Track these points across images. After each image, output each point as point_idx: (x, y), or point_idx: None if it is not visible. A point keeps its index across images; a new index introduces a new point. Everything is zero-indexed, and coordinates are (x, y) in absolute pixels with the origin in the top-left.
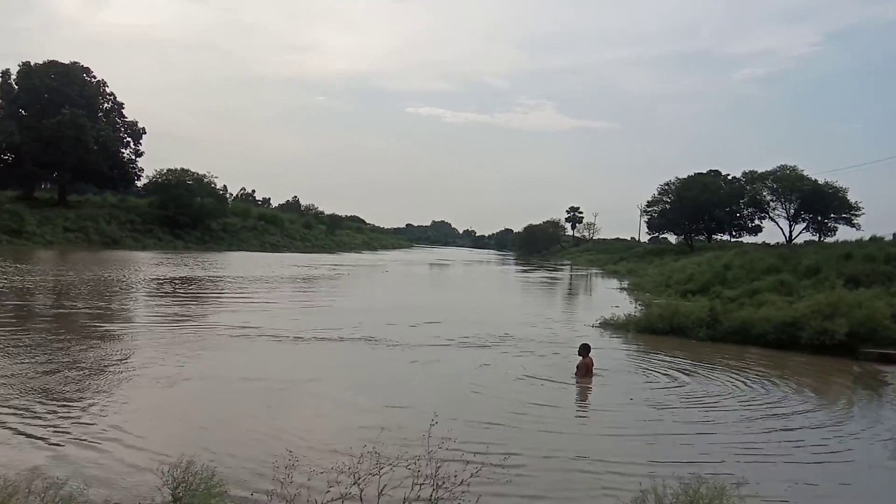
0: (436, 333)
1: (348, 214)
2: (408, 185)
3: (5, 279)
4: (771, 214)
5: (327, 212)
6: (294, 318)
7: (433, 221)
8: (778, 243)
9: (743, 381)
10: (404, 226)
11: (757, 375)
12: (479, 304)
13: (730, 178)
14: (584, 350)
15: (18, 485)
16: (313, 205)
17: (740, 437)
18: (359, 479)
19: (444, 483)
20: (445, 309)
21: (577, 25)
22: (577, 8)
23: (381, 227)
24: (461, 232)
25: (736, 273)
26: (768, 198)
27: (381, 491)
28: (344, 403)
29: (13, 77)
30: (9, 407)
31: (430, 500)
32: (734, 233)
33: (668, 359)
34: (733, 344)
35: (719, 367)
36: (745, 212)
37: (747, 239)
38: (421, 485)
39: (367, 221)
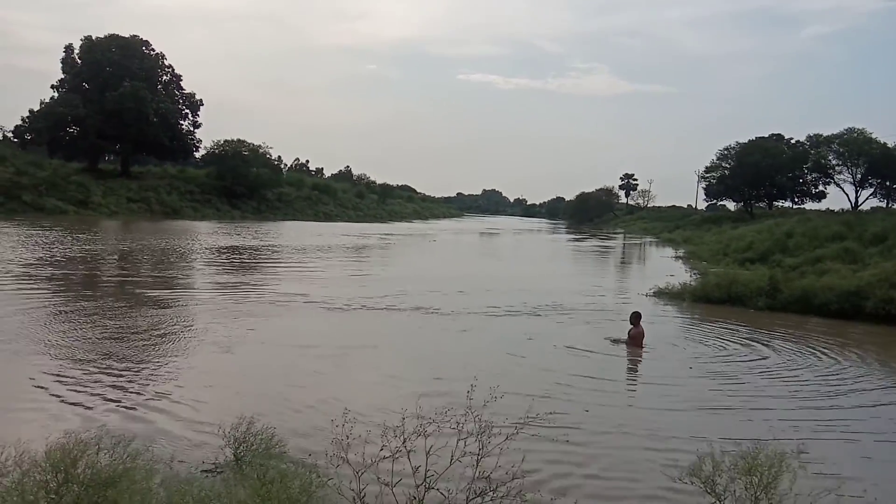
0: (486, 302)
1: (399, 183)
2: (458, 154)
3: (76, 247)
4: (836, 180)
5: (379, 181)
6: (346, 286)
7: (484, 190)
8: (843, 210)
9: (807, 352)
10: (455, 195)
11: (819, 345)
12: (530, 273)
13: (793, 142)
14: (636, 318)
15: (88, 442)
16: (365, 174)
17: (803, 410)
18: (406, 439)
19: (489, 440)
20: (495, 278)
21: None
22: None
23: (432, 196)
24: (512, 200)
25: (798, 241)
26: (833, 162)
27: (429, 451)
28: (394, 371)
29: (76, 52)
30: (75, 370)
31: (477, 454)
32: (796, 199)
33: (725, 328)
34: (793, 313)
35: (779, 336)
36: (809, 177)
37: (810, 205)
38: (465, 439)
39: (418, 190)
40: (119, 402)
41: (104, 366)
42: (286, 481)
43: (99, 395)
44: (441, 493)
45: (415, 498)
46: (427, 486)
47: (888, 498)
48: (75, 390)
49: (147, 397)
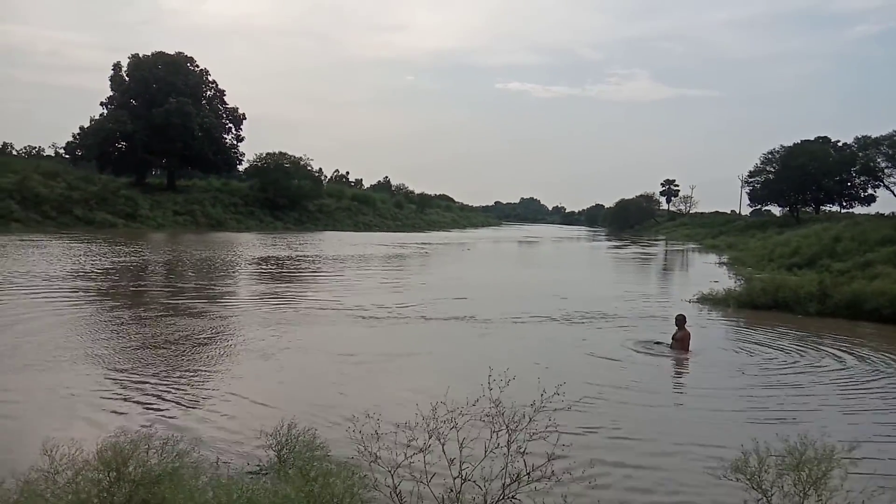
0: (526, 310)
1: (437, 193)
2: (496, 162)
3: (123, 259)
4: (886, 182)
5: (417, 191)
6: (384, 295)
7: (522, 198)
8: (894, 213)
9: (860, 357)
10: (493, 203)
11: (872, 351)
12: (570, 280)
13: (840, 144)
14: (681, 321)
15: (138, 442)
16: (404, 184)
17: (860, 417)
18: (440, 434)
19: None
20: (535, 285)
21: None
22: None
23: (470, 205)
24: (550, 208)
25: (847, 245)
26: (883, 164)
27: (462, 443)
28: (429, 378)
29: (124, 69)
30: (119, 378)
31: (508, 444)
32: (845, 203)
33: (771, 334)
34: (843, 319)
35: (830, 342)
36: (857, 180)
37: (859, 209)
38: (497, 432)
39: (456, 200)
40: (161, 408)
41: (147, 373)
42: (329, 479)
43: (141, 402)
44: (477, 485)
45: (451, 489)
46: (463, 477)
47: None
48: (119, 398)
49: (189, 404)
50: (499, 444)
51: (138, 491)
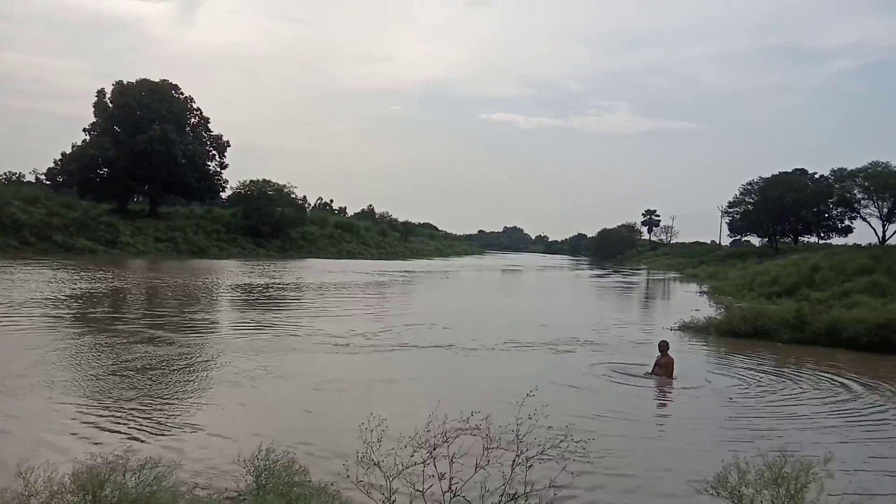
0: (508, 337)
1: (421, 221)
2: (480, 192)
3: (102, 285)
4: (862, 214)
5: (401, 219)
6: (365, 323)
7: (505, 227)
8: (870, 244)
9: (841, 385)
10: (476, 232)
11: (850, 379)
12: (553, 308)
13: (817, 176)
14: (664, 346)
15: (115, 465)
16: (388, 212)
17: (841, 446)
18: (433, 449)
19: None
20: (517, 314)
21: (653, 23)
22: (652, 5)
23: (454, 233)
24: (533, 237)
25: (825, 275)
26: (859, 196)
27: (452, 458)
28: (412, 403)
29: (108, 96)
30: (95, 403)
31: (513, 465)
32: (822, 234)
33: (752, 361)
34: (821, 347)
35: (810, 370)
36: (834, 212)
37: (836, 240)
38: (490, 449)
39: (440, 228)
40: (136, 435)
41: (124, 399)
42: (310, 501)
43: (116, 428)
44: (467, 500)
45: (440, 502)
46: (453, 492)
47: None
48: (92, 425)
49: (165, 431)
50: (489, 461)
51: None
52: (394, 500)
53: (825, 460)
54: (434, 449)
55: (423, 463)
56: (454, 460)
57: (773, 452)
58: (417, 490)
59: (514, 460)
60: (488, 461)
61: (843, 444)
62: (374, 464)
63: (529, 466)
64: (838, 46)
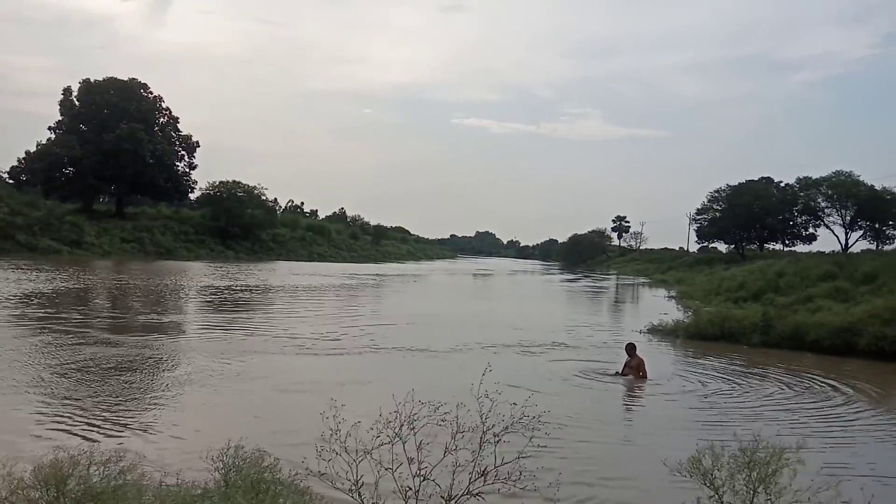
0: (480, 340)
1: (393, 225)
2: (452, 196)
3: (66, 286)
4: (826, 222)
5: (373, 222)
6: (335, 326)
7: (477, 232)
8: (833, 252)
9: (806, 385)
10: (448, 236)
11: (815, 379)
12: (524, 311)
13: (782, 184)
14: (631, 349)
15: (79, 458)
16: (359, 216)
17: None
18: (399, 428)
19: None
20: (488, 317)
21: (625, 32)
22: (625, 14)
23: (426, 237)
24: (505, 242)
25: (789, 280)
26: (823, 205)
27: (420, 444)
28: (383, 402)
29: (75, 94)
30: (60, 403)
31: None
32: (787, 241)
33: (720, 363)
34: (787, 350)
35: (774, 372)
36: (799, 220)
37: (801, 248)
38: (459, 433)
39: (412, 232)
40: (101, 433)
41: (85, 399)
42: (279, 492)
43: (79, 427)
44: (436, 484)
45: (410, 488)
46: (423, 476)
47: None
48: (56, 423)
49: (130, 429)
50: (458, 447)
51: None
52: (361, 485)
53: (797, 447)
54: (400, 427)
55: (390, 443)
56: (422, 447)
57: (745, 440)
58: (387, 469)
59: (481, 437)
60: (456, 446)
61: (810, 438)
62: (336, 453)
63: (497, 441)
64: (805, 58)
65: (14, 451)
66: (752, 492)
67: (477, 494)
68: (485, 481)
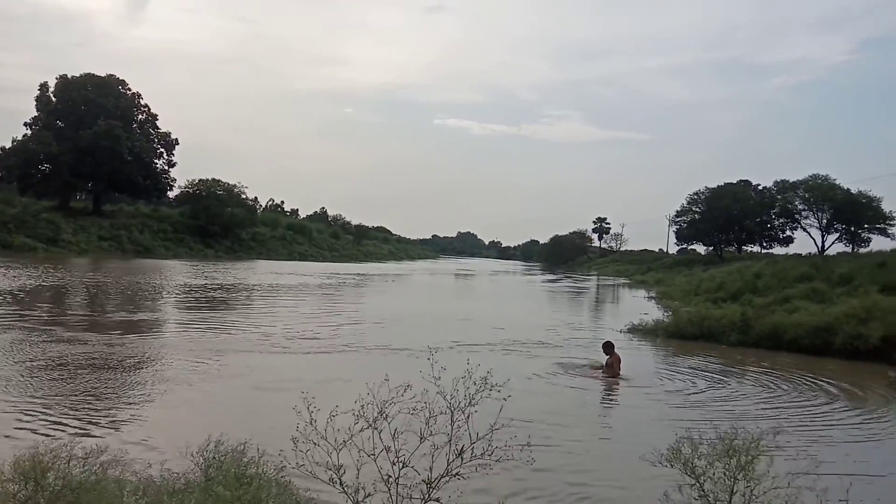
0: (460, 339)
1: (375, 225)
2: (434, 197)
3: (44, 283)
4: (802, 224)
5: (354, 222)
6: (313, 325)
7: (459, 233)
8: (810, 254)
9: (778, 384)
10: (430, 237)
11: (792, 377)
12: (505, 312)
13: (760, 187)
14: (609, 348)
15: (59, 452)
16: (341, 215)
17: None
18: (374, 420)
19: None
20: (470, 316)
21: (606, 36)
22: (606, 18)
23: (408, 237)
24: (487, 243)
25: (767, 281)
26: (800, 207)
27: (394, 434)
28: (360, 399)
29: (51, 90)
30: (38, 401)
31: (451, 422)
32: (765, 244)
33: (698, 361)
34: (764, 349)
35: (752, 370)
36: (776, 222)
37: (778, 250)
38: (435, 417)
39: (394, 232)
40: (79, 431)
41: (66, 397)
42: (261, 484)
43: (55, 426)
44: (415, 471)
45: (390, 476)
46: (402, 463)
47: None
48: (32, 421)
49: (108, 426)
50: (433, 433)
51: (58, 502)
52: (343, 474)
53: (774, 433)
54: (374, 420)
55: (370, 428)
56: (397, 435)
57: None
58: (370, 455)
59: (451, 416)
60: (431, 432)
61: (788, 434)
62: (314, 444)
63: (468, 417)
64: (783, 63)
65: None
66: (732, 479)
67: (457, 475)
68: (462, 461)
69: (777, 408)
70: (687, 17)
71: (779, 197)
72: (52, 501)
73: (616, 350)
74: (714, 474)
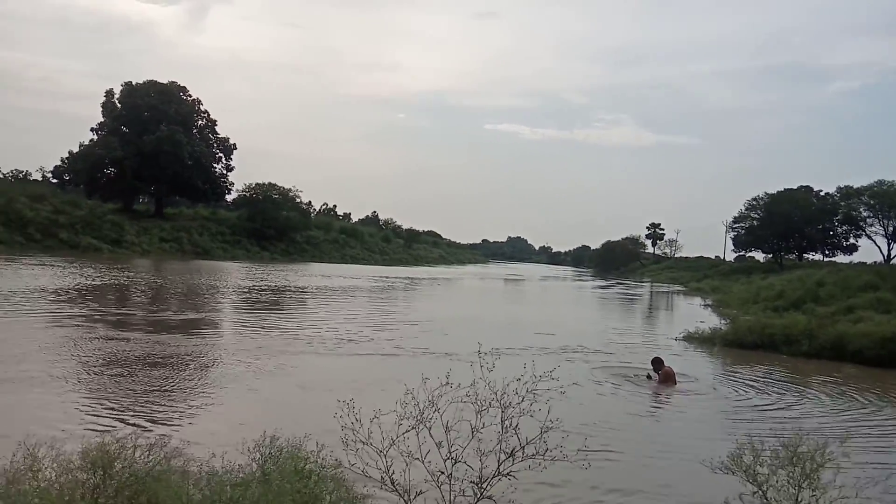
0: (511, 344)
1: (425, 229)
2: (485, 202)
3: (107, 283)
4: (867, 232)
5: (405, 226)
6: (367, 327)
7: (509, 237)
8: (875, 262)
9: (843, 395)
10: (480, 241)
11: (858, 390)
12: (555, 317)
13: (822, 193)
14: (658, 363)
15: (125, 442)
16: (392, 219)
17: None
18: (421, 414)
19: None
20: (520, 321)
21: (658, 39)
22: (658, 21)
23: (458, 242)
24: (537, 248)
25: (830, 290)
26: (865, 214)
27: (447, 427)
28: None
29: (117, 96)
30: (103, 394)
31: (501, 421)
32: (827, 251)
33: (758, 372)
34: (827, 360)
35: (816, 381)
36: (840, 229)
37: (841, 258)
38: (486, 410)
39: (444, 236)
40: (140, 424)
41: (130, 393)
42: (319, 478)
43: (118, 419)
44: (468, 466)
45: (443, 472)
46: (454, 459)
47: None
48: (97, 413)
49: (167, 422)
50: (484, 425)
51: (124, 491)
52: (392, 473)
53: (842, 441)
54: (424, 417)
55: (419, 426)
56: (448, 430)
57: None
58: (416, 458)
59: (501, 415)
60: (483, 424)
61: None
62: (364, 443)
63: (519, 416)
64: (840, 67)
65: (62, 438)
66: (796, 487)
67: (508, 474)
68: (513, 461)
69: (843, 419)
70: (736, 22)
71: (842, 203)
72: (119, 490)
73: (667, 363)
74: (777, 482)
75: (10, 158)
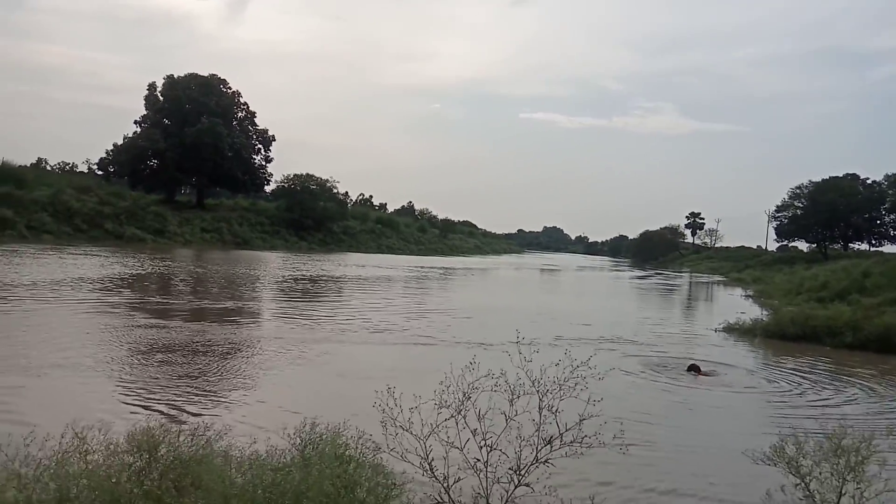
0: (545, 334)
1: (460, 219)
2: (520, 191)
3: (151, 272)
4: None
5: (440, 217)
6: (405, 316)
7: (545, 227)
8: None
9: (891, 388)
10: (515, 231)
11: None
12: (592, 307)
13: (869, 181)
14: (695, 369)
15: (169, 426)
16: (427, 209)
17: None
18: (460, 404)
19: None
20: (556, 311)
21: (697, 24)
22: (692, 7)
23: (493, 231)
24: (573, 238)
25: (876, 280)
26: None
27: (479, 416)
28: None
29: (159, 89)
30: (142, 380)
31: (539, 409)
32: (874, 241)
33: (802, 363)
34: (872, 352)
35: (861, 373)
36: (887, 218)
37: (889, 248)
38: (519, 397)
39: (479, 226)
40: (180, 411)
41: (173, 379)
42: (358, 465)
43: (167, 404)
44: (503, 453)
45: (479, 460)
46: (489, 446)
47: None
48: (140, 397)
49: (208, 408)
50: (516, 413)
51: (169, 474)
52: (431, 459)
53: (888, 432)
54: (461, 405)
55: (453, 417)
56: (482, 418)
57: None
58: (455, 447)
59: (538, 403)
60: (516, 412)
61: None
62: (403, 430)
63: (558, 410)
64: (888, 50)
65: (107, 422)
66: (840, 479)
67: (546, 461)
68: (551, 448)
69: (888, 412)
70: (779, 6)
71: (890, 192)
72: (164, 473)
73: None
74: (820, 474)
75: (57, 151)
